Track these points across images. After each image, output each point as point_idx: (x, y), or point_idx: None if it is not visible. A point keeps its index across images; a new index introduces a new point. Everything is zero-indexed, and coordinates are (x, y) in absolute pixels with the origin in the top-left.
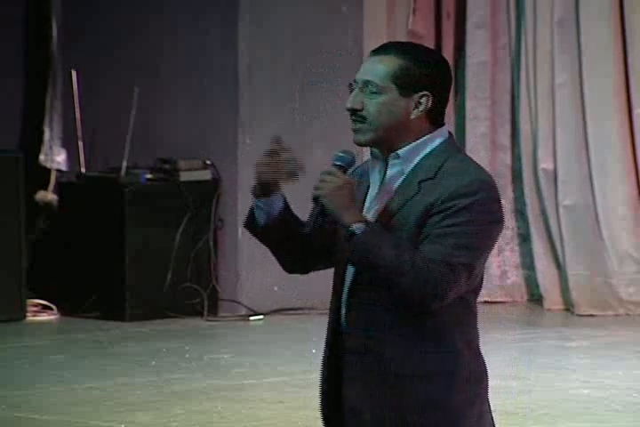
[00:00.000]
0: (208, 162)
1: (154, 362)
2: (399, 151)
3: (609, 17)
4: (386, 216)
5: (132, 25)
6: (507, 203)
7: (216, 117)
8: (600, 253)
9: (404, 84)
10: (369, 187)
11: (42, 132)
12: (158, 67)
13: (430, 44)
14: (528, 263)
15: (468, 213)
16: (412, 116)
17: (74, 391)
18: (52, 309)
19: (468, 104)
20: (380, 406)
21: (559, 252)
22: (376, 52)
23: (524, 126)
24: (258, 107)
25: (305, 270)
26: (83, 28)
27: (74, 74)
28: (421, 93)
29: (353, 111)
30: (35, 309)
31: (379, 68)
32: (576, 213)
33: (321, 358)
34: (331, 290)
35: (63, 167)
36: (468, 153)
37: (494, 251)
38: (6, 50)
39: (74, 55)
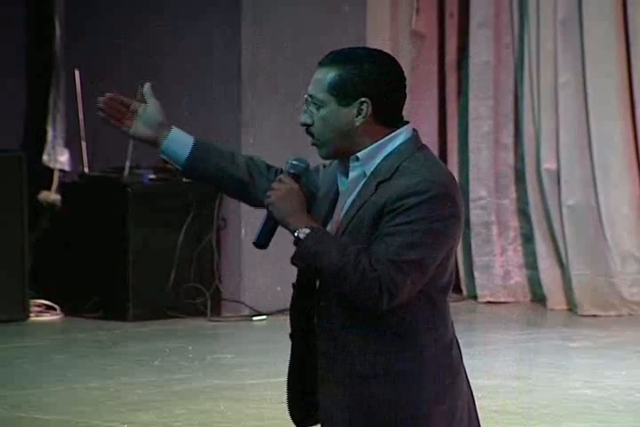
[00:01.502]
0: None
1: (156, 362)
2: (358, 154)
3: (612, 16)
4: (347, 218)
5: (133, 25)
6: (510, 203)
7: (218, 117)
8: (603, 253)
9: (341, 94)
10: (328, 192)
11: (45, 132)
12: (160, 67)
13: (433, 43)
14: (531, 263)
15: (417, 211)
16: (357, 124)
17: (75, 391)
18: (54, 309)
19: (471, 104)
20: (350, 407)
21: (562, 252)
22: (319, 63)
23: (527, 126)
24: (259, 106)
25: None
26: (84, 27)
27: (77, 74)
28: (360, 100)
29: (304, 126)
30: (37, 309)
31: (317, 81)
32: (579, 213)
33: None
34: None
35: (66, 167)
36: (470, 152)
37: (497, 250)
38: (8, 50)
39: (76, 55)
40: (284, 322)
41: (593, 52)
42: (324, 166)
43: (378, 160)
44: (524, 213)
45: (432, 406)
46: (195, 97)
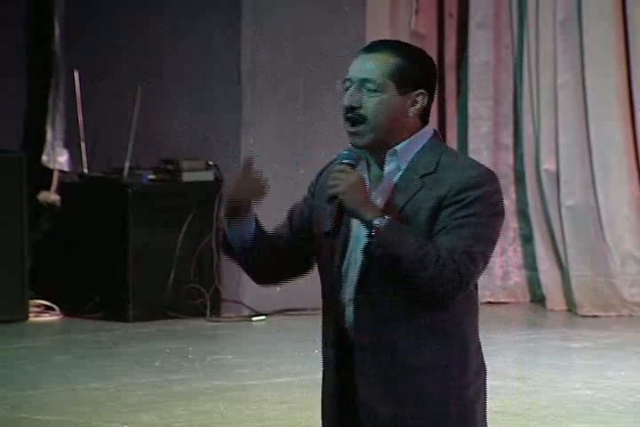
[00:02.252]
0: (210, 162)
1: (156, 362)
2: (397, 148)
3: (611, 17)
4: (391, 211)
5: (133, 25)
6: (509, 203)
7: (218, 118)
8: (603, 254)
9: (402, 81)
10: None
11: (44, 133)
12: (160, 67)
13: (433, 44)
14: (530, 264)
15: (480, 203)
16: (410, 114)
17: (76, 392)
18: (54, 309)
19: (471, 104)
20: (397, 401)
21: (562, 252)
22: (368, 50)
23: (527, 126)
24: (260, 107)
25: (278, 283)
26: (83, 28)
27: (76, 74)
28: (418, 91)
29: (350, 109)
30: (37, 309)
31: (375, 66)
32: (578, 214)
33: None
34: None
35: (65, 168)
36: (470, 153)
37: (497, 251)
38: (8, 50)
39: (76, 55)
40: (284, 322)
41: (592, 52)
42: (310, 186)
43: (411, 155)
44: (523, 214)
45: (475, 402)
46: (195, 97)
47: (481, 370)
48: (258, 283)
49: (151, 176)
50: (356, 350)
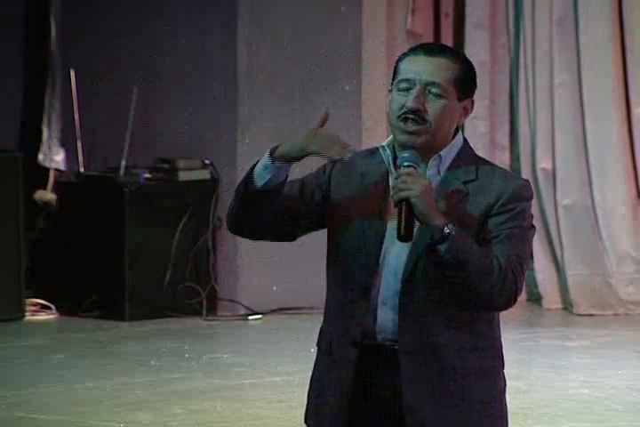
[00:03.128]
0: (207, 161)
1: (153, 362)
2: (441, 153)
3: (608, 17)
4: (446, 216)
5: (131, 25)
6: None
7: (215, 117)
8: (599, 253)
9: (462, 89)
10: (377, 182)
11: (41, 132)
12: (157, 66)
13: None
14: None
15: (524, 216)
16: (460, 121)
17: (73, 391)
18: (50, 308)
19: None
20: (442, 404)
21: (558, 252)
22: (428, 52)
23: (523, 126)
24: (257, 106)
25: (255, 236)
26: (82, 27)
27: (72, 74)
28: (471, 99)
29: (414, 111)
30: (33, 308)
31: (441, 71)
32: (575, 213)
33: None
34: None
35: (62, 167)
36: None
37: None
38: (5, 50)
39: (73, 55)
40: (281, 321)
41: (589, 52)
42: (324, 171)
43: (449, 160)
44: None
45: (505, 404)
46: (192, 97)
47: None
48: (233, 224)
49: (147, 175)
50: (400, 354)
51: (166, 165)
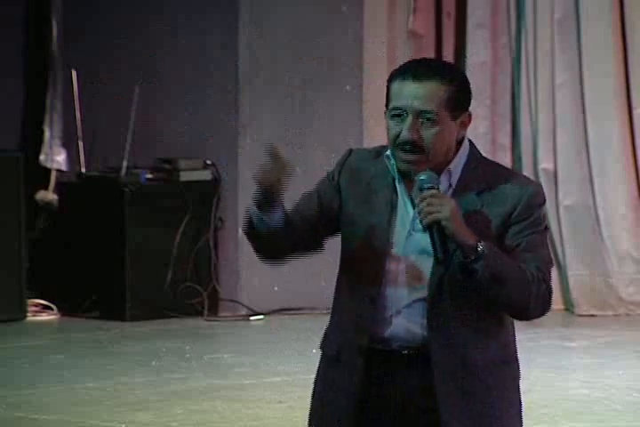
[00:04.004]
0: (208, 162)
1: (154, 362)
2: (450, 166)
3: (609, 16)
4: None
5: (132, 25)
6: None
7: (216, 117)
8: (600, 253)
9: (455, 108)
10: (385, 191)
11: (42, 132)
12: (158, 67)
13: (430, 44)
14: None
15: (541, 221)
16: (460, 137)
17: (74, 391)
18: (52, 309)
19: None
20: (475, 417)
21: (559, 252)
22: (415, 77)
23: (525, 126)
24: (258, 107)
25: (285, 260)
26: (83, 27)
27: (74, 74)
28: (467, 113)
29: (410, 142)
30: (35, 309)
31: (429, 96)
32: (576, 213)
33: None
34: (332, 290)
35: (63, 167)
36: None
37: None
38: (6, 50)
39: (74, 55)
40: (282, 322)
41: (590, 52)
42: (332, 177)
43: (459, 170)
44: None
45: (521, 402)
46: (193, 97)
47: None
48: (264, 260)
49: (149, 175)
50: (435, 369)
51: (167, 166)
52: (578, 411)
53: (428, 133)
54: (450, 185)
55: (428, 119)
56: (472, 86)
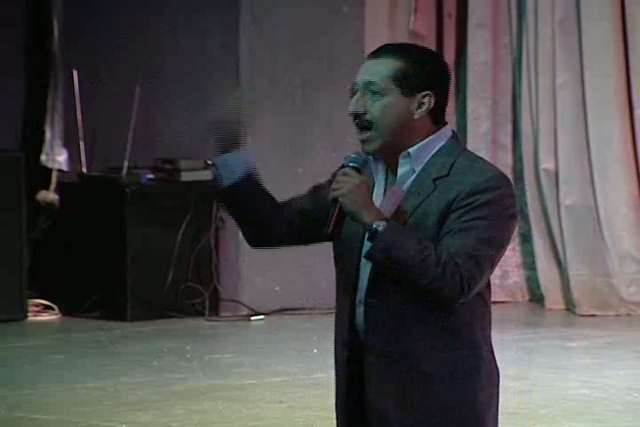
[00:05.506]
0: (209, 162)
1: (155, 362)
2: (410, 150)
3: (610, 16)
4: (402, 215)
5: (132, 25)
6: None
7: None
8: (601, 253)
9: (406, 84)
10: (373, 186)
11: (43, 132)
12: (159, 66)
13: (431, 44)
14: (529, 263)
15: (489, 207)
16: (416, 117)
17: (74, 391)
18: (53, 309)
19: (470, 104)
20: (405, 407)
21: (560, 252)
22: (374, 54)
23: (526, 126)
24: (258, 106)
25: (270, 244)
26: (83, 27)
27: (75, 74)
28: (424, 93)
29: (356, 115)
30: (36, 309)
31: (379, 70)
32: (577, 213)
33: (329, 358)
34: (334, 290)
35: (64, 167)
36: None
37: None
38: (7, 50)
39: (75, 55)
40: (283, 322)
41: (591, 52)
42: (334, 176)
43: (427, 157)
44: (522, 213)
45: (487, 409)
46: (194, 97)
47: (493, 373)
48: (249, 243)
49: (150, 176)
50: (366, 354)
51: (168, 166)
52: (578, 411)
53: (373, 106)
54: (412, 170)
55: (374, 92)
56: (473, 86)
